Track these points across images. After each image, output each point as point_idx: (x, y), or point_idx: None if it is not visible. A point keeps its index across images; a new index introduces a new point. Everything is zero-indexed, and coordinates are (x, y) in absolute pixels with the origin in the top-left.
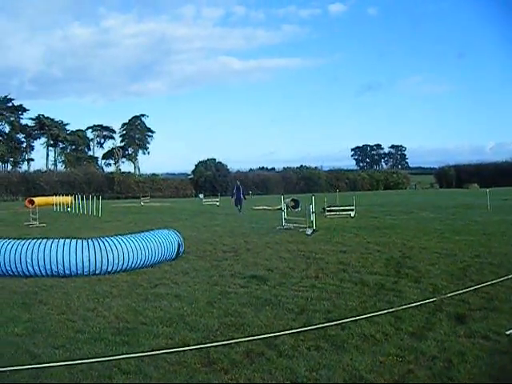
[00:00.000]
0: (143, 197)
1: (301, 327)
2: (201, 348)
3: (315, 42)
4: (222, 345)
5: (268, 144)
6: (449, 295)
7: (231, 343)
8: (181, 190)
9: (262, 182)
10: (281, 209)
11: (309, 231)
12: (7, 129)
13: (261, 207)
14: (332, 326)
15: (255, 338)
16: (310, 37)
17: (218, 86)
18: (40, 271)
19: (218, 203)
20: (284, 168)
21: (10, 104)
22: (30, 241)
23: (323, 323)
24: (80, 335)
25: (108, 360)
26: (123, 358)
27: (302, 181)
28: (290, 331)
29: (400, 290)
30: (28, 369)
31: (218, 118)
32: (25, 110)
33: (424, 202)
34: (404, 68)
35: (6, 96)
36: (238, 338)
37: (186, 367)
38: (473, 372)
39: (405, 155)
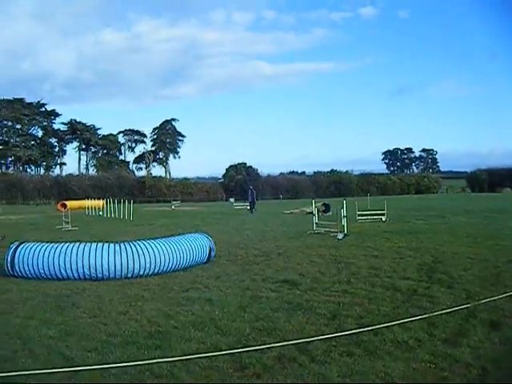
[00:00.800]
0: (174, 201)
1: (333, 333)
2: (233, 353)
3: (346, 46)
4: (254, 350)
5: (299, 148)
6: (482, 301)
7: (263, 348)
8: (211, 193)
9: (292, 186)
10: (312, 213)
11: (340, 235)
12: (40, 133)
13: (297, 210)
14: (364, 331)
15: (287, 343)
16: (341, 40)
17: (249, 90)
18: (73, 274)
19: (248, 207)
20: (314, 172)
21: (43, 109)
22: (63, 244)
23: (356, 329)
24: (112, 338)
25: (141, 364)
26: (156, 363)
27: (333, 185)
28: (323, 337)
29: (432, 295)
30: (62, 372)
31: (249, 123)
32: (57, 114)
33: (455, 207)
34: (436, 71)
35: (38, 101)
36: (269, 343)
37: (218, 372)
38: (508, 381)
39: (436, 159)
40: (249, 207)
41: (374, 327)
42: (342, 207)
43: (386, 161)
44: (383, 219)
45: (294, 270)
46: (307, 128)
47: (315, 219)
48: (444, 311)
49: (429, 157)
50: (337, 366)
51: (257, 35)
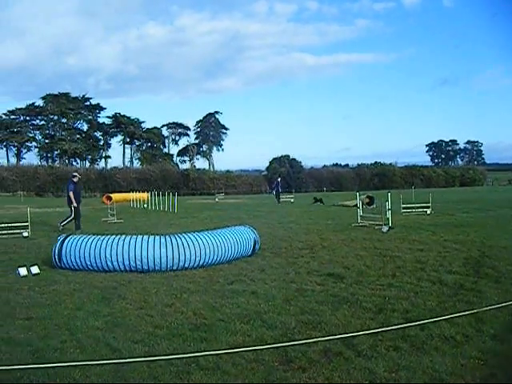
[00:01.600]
0: (218, 193)
1: (379, 327)
2: (279, 346)
3: (389, 36)
4: (300, 344)
5: (342, 140)
6: None
7: (309, 342)
8: (255, 186)
9: (335, 178)
10: (356, 205)
11: (385, 228)
12: (85, 127)
13: (347, 202)
14: (411, 326)
15: (333, 337)
16: (384, 31)
17: (292, 82)
18: (119, 266)
19: (292, 200)
20: (358, 164)
21: (88, 103)
22: (109, 237)
23: (402, 323)
24: (158, 330)
25: (187, 357)
26: (203, 356)
27: (376, 177)
28: (369, 331)
29: (480, 290)
30: (109, 363)
31: (292, 115)
32: (102, 108)
33: (502, 199)
34: (482, 59)
35: (83, 95)
36: (315, 337)
37: (264, 365)
38: None
39: (481, 151)
40: (276, 197)
41: (420, 322)
42: (387, 200)
43: (431, 153)
44: (428, 212)
45: (339, 263)
46: (350, 120)
47: (360, 212)
48: (492, 306)
49: (474, 149)
50: (383, 361)
51: (299, 26)
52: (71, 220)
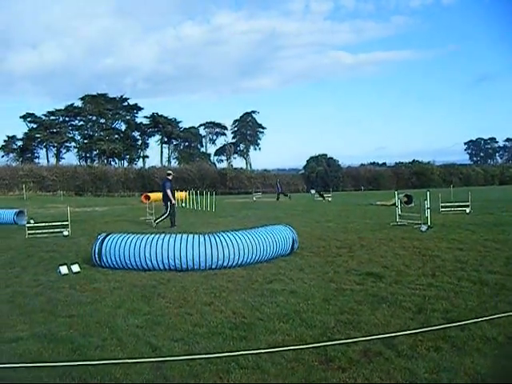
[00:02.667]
0: (255, 192)
1: (419, 327)
2: (319, 346)
3: (427, 33)
4: (340, 343)
5: (379, 139)
6: None
7: (349, 342)
8: (292, 185)
9: (373, 177)
10: (395, 204)
11: (423, 227)
12: (123, 127)
13: (385, 202)
14: (452, 327)
15: (373, 337)
16: (422, 27)
17: (328, 80)
18: (158, 265)
19: (329, 199)
20: (396, 163)
21: (126, 103)
22: (148, 235)
23: (442, 324)
24: (198, 329)
25: (227, 356)
26: (242, 355)
27: (414, 176)
28: (409, 331)
29: None
30: (149, 361)
31: (329, 113)
32: (139, 108)
33: None
34: None
35: (121, 96)
36: (355, 337)
37: (304, 364)
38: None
39: None
40: (277, 198)
41: (461, 322)
42: (426, 198)
43: (469, 151)
44: (467, 211)
45: (378, 263)
46: (387, 118)
47: (398, 211)
48: None
49: None
50: (424, 362)
51: (336, 24)
52: (166, 217)
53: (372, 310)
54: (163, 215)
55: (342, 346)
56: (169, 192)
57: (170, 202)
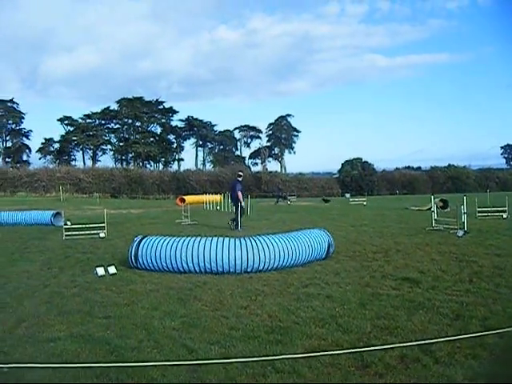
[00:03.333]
0: (290, 195)
1: (457, 334)
2: (355, 351)
3: (463, 36)
4: (377, 349)
5: (414, 143)
6: None
7: (386, 348)
8: (327, 189)
9: (408, 181)
10: (430, 209)
11: (460, 233)
12: (159, 130)
13: (420, 207)
14: (490, 334)
15: (410, 344)
16: (458, 30)
17: (363, 83)
18: (194, 268)
19: (364, 203)
20: (431, 167)
21: (161, 106)
22: (184, 238)
23: (480, 331)
24: (234, 332)
25: (264, 360)
26: (279, 359)
27: (450, 180)
28: (446, 338)
29: None
30: (186, 364)
31: (364, 116)
32: (175, 111)
33: None
34: None
35: (157, 99)
36: (391, 342)
37: (340, 369)
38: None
39: None
40: (276, 201)
41: (500, 330)
42: (462, 203)
43: (506, 155)
44: (504, 216)
45: (414, 268)
46: (422, 121)
47: (434, 215)
48: None
49: None
50: (462, 369)
51: (371, 27)
52: (241, 217)
53: (409, 315)
54: (238, 217)
55: (379, 352)
56: (239, 193)
57: (240, 203)
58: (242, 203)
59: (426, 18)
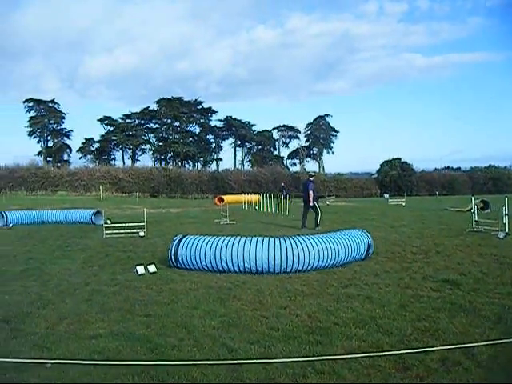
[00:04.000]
0: (329, 196)
1: (499, 337)
2: (396, 354)
3: (504, 34)
4: (417, 352)
5: (453, 143)
6: None
7: (427, 350)
8: (365, 189)
9: (447, 182)
10: (471, 210)
11: (501, 234)
12: (197, 130)
13: (460, 208)
14: None
15: (452, 347)
16: (500, 28)
17: (402, 83)
18: (233, 267)
19: (403, 203)
20: (471, 168)
21: (200, 107)
22: (224, 238)
23: None
24: (274, 332)
25: (304, 360)
26: (319, 360)
27: (490, 181)
28: (489, 342)
29: None
30: (226, 364)
31: (402, 117)
32: (213, 111)
33: None
34: None
35: (196, 99)
36: (432, 345)
37: (381, 371)
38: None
39: None
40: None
41: None
42: (504, 205)
43: None
44: None
45: (455, 270)
46: (462, 121)
47: (474, 217)
48: None
49: None
50: (505, 374)
51: (410, 26)
52: (320, 216)
53: (450, 317)
54: (318, 216)
55: (420, 354)
56: (311, 193)
57: (308, 203)
58: (312, 203)
59: (466, 16)
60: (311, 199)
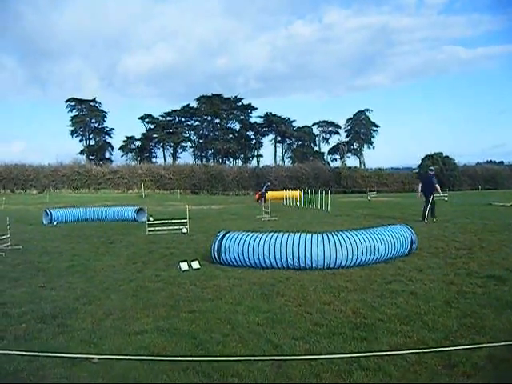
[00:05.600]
0: (370, 191)
1: None
2: (442, 350)
3: None
4: (464, 349)
5: (497, 136)
6: None
7: (474, 347)
8: (407, 184)
9: (490, 176)
10: None
11: None
12: (237, 127)
13: (504, 203)
14: None
15: (499, 344)
16: None
17: (443, 76)
18: (276, 263)
19: (446, 198)
20: None
21: (240, 103)
22: (266, 234)
23: None
24: (318, 328)
25: (349, 357)
26: (364, 356)
27: None
28: None
29: None
30: (271, 360)
31: (444, 111)
32: (253, 108)
33: None
34: None
35: (235, 96)
36: (479, 342)
37: (427, 368)
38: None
39: None
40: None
41: None
42: None
43: None
44: None
45: (500, 265)
46: (504, 114)
47: None
48: None
49: None
50: None
51: (450, 18)
52: (434, 208)
53: (496, 314)
54: (432, 209)
55: (466, 351)
56: (437, 186)
57: (433, 196)
58: (439, 192)
59: (507, 6)
60: (439, 191)
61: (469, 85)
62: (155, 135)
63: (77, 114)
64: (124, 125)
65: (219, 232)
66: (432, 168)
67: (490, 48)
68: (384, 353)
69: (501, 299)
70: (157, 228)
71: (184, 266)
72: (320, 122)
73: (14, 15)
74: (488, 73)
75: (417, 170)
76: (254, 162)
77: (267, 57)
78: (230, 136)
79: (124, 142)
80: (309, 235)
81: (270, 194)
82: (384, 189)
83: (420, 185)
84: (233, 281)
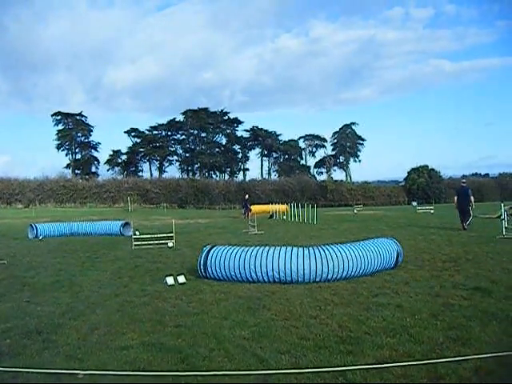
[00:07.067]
0: (356, 204)
1: None
2: (427, 363)
3: None
4: (450, 361)
5: (482, 149)
6: None
7: (459, 360)
8: (393, 197)
9: (476, 188)
10: (500, 217)
11: None
12: (224, 140)
13: (490, 215)
14: None
15: (485, 355)
16: None
17: (429, 90)
18: (262, 277)
19: (432, 211)
20: (500, 174)
21: (226, 117)
22: (253, 248)
23: None
24: (304, 342)
25: (335, 370)
26: (350, 370)
27: None
28: None
29: None
30: (256, 374)
31: (430, 123)
32: (240, 122)
33: None
34: None
35: (222, 110)
36: (465, 354)
37: (413, 381)
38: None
39: None
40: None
41: None
42: None
43: None
44: None
45: (486, 277)
46: (490, 127)
47: (505, 223)
48: None
49: None
50: None
51: (436, 32)
52: (472, 219)
53: (482, 326)
54: (470, 218)
55: (452, 364)
56: (472, 198)
57: (471, 207)
58: (473, 206)
59: (493, 20)
60: (473, 203)
61: (455, 98)
62: (141, 149)
63: (63, 127)
64: (110, 139)
65: (205, 246)
66: (464, 180)
67: (476, 61)
68: (370, 366)
69: (486, 311)
70: (143, 242)
71: (170, 280)
72: (306, 135)
73: None
74: (474, 86)
75: (403, 183)
76: (240, 176)
77: (253, 70)
78: (217, 150)
79: (110, 156)
80: (295, 249)
81: (256, 208)
82: (370, 202)
83: (456, 197)
84: (219, 295)
